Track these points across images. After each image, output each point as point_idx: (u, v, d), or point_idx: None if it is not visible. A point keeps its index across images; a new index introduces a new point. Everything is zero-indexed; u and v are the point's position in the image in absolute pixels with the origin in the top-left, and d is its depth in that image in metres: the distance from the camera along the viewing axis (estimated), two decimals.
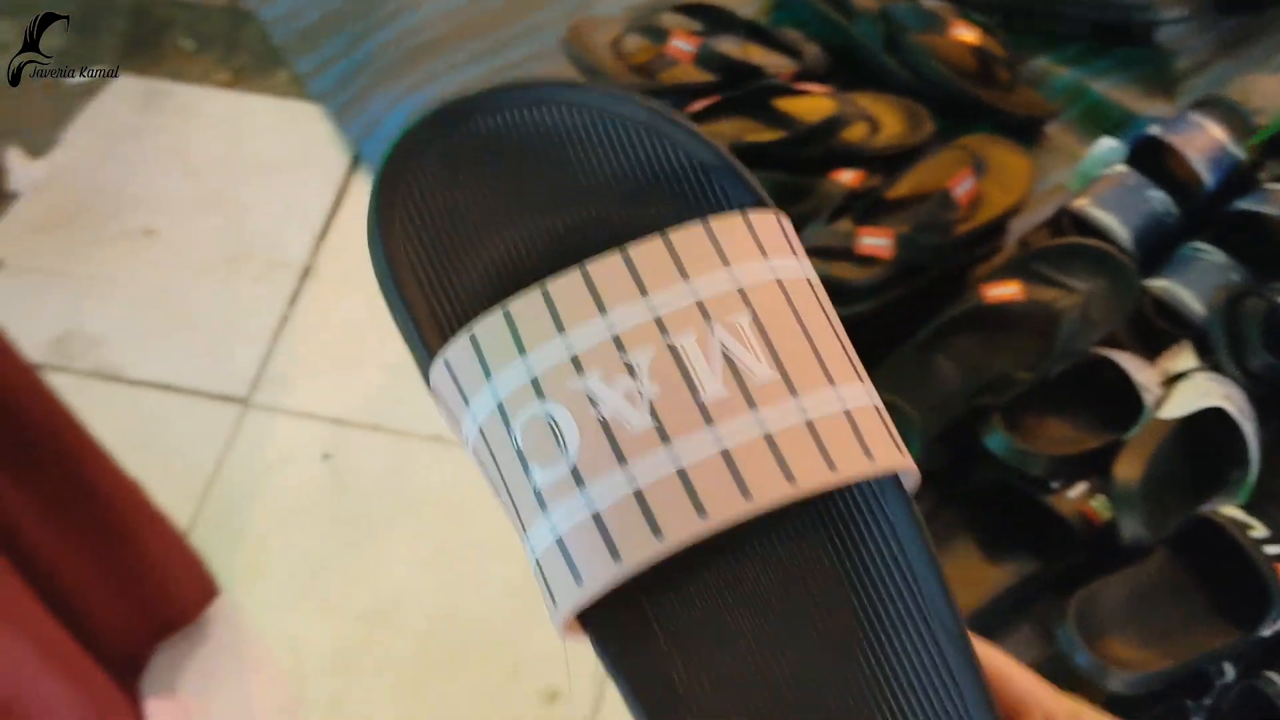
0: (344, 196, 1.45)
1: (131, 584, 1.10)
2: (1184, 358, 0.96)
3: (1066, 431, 0.95)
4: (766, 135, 1.16)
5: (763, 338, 0.34)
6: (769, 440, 0.32)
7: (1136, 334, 1.02)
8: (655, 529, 0.31)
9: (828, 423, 0.33)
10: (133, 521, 1.08)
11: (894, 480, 0.37)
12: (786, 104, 1.18)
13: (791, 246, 0.38)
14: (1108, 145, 1.16)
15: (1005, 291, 0.96)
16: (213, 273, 1.43)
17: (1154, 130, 1.11)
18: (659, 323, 0.33)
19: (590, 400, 0.33)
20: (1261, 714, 0.80)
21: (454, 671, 1.16)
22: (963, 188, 1.03)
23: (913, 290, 1.02)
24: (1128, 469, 0.87)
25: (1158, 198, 1.07)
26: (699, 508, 0.31)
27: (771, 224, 0.37)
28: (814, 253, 1.06)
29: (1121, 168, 1.10)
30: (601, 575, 0.32)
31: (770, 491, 0.32)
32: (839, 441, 0.33)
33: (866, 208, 1.06)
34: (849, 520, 0.38)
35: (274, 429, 1.31)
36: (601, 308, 0.33)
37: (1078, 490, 0.91)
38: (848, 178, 1.10)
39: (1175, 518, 0.86)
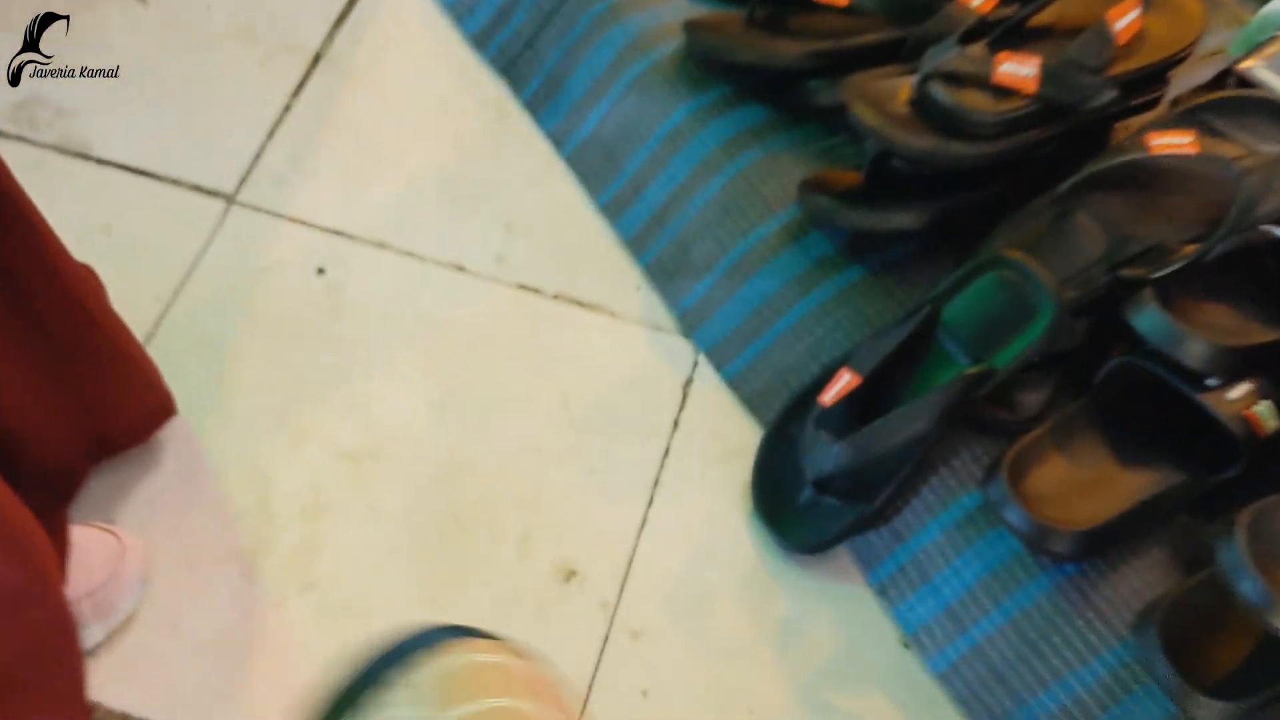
0: None
1: (70, 386, 0.92)
2: None
3: (1229, 320, 0.78)
4: None
5: None
6: None
7: None
8: None
9: None
10: (78, 315, 0.90)
11: None
12: None
13: None
14: None
15: (1176, 142, 0.78)
16: (210, 49, 1.24)
17: None
18: None
19: None
20: None
21: (451, 534, 1.00)
22: (1125, 21, 0.84)
23: (1050, 136, 0.84)
24: None
25: None
26: None
27: None
28: (941, 78, 0.88)
29: None
30: None
31: None
32: None
33: (1003, 33, 0.87)
34: None
35: (261, 233, 1.13)
36: None
37: (1240, 391, 0.74)
38: (978, 2, 0.93)
39: None
